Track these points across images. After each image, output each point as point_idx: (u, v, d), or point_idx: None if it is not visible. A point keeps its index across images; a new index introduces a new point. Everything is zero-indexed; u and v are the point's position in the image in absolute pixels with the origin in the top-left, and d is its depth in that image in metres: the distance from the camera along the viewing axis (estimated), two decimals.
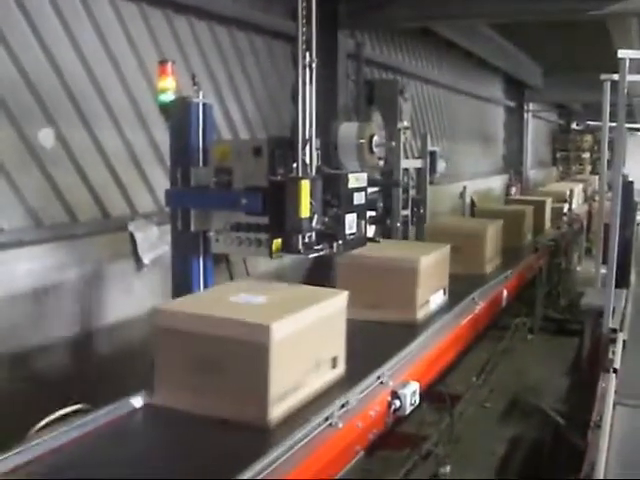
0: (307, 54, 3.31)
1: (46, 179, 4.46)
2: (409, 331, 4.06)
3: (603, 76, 5.21)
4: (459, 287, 4.97)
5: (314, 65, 3.30)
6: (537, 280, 7.54)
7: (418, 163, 8.86)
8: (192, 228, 3.60)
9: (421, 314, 4.30)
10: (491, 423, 5.37)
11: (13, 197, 4.24)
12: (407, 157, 8.93)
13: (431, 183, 9.01)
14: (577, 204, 11.63)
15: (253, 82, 6.51)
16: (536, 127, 18.25)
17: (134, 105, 5.14)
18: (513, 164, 16.07)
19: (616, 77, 4.76)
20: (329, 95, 6.59)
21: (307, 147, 3.26)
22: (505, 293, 5.74)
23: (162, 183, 5.37)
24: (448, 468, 4.38)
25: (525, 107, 16.60)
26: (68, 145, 4.61)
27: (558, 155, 21.34)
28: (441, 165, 9.25)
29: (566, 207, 10.06)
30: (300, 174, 3.21)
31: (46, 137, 4.46)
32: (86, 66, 4.73)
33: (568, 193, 10.46)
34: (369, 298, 4.15)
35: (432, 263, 4.46)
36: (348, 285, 3.55)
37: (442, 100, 11.56)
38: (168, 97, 3.77)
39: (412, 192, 8.53)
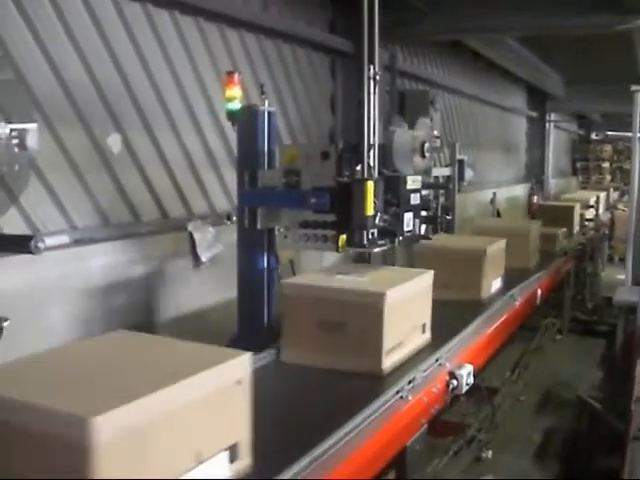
0: (371, 67, 3.62)
1: (113, 181, 4.79)
2: None
3: (634, 87, 5.48)
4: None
5: (378, 77, 3.62)
6: (565, 283, 7.81)
7: (447, 171, 9.16)
8: (259, 226, 3.90)
9: None
10: (527, 414, 5.68)
11: (85, 197, 4.56)
12: (436, 165, 9.25)
13: (459, 191, 9.32)
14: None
15: (295, 90, 6.83)
16: (557, 137, 18.49)
17: (190, 113, 5.46)
18: (535, 173, 16.33)
19: None
20: None
21: (371, 151, 3.58)
22: None
23: (215, 187, 5.73)
24: (490, 452, 4.68)
25: (547, 117, 16.84)
26: (132, 150, 4.94)
27: (578, 165, 21.56)
28: (469, 173, 9.56)
29: (590, 214, 10.31)
30: (365, 175, 3.53)
31: (115, 142, 4.79)
32: (149, 75, 5.05)
33: (594, 199, 10.70)
34: None
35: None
36: None
37: (468, 110, 11.86)
38: (235, 105, 4.09)
39: (441, 199, 8.84)
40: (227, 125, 5.63)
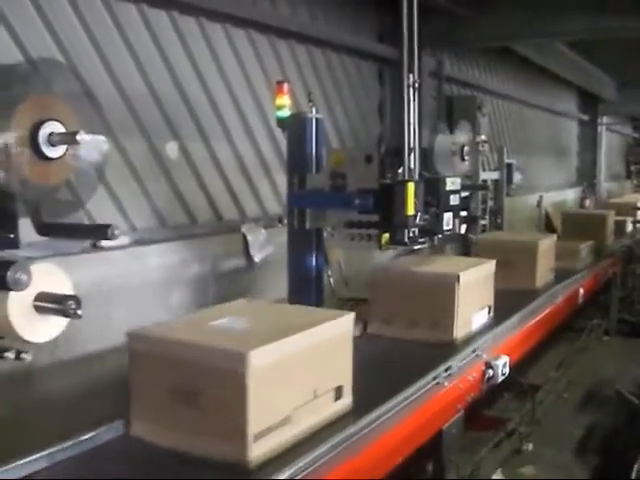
0: (410, 75, 3.83)
1: (170, 185, 5.08)
2: None
3: None
4: None
5: (417, 85, 3.83)
6: (612, 284, 7.91)
7: (495, 175, 9.29)
8: (307, 226, 4.14)
9: None
10: (570, 410, 5.83)
11: (144, 201, 4.86)
12: (485, 169, 9.39)
13: (508, 194, 9.44)
14: None
15: (344, 98, 7.07)
16: (610, 140, 18.38)
17: (243, 120, 5.73)
18: (587, 177, 16.28)
19: None
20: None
21: (411, 155, 3.80)
22: None
23: (266, 190, 5.99)
24: (531, 445, 4.84)
25: (599, 120, 16.77)
26: (189, 155, 5.22)
27: (632, 168, 21.33)
28: (517, 177, 9.68)
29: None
30: (406, 177, 3.74)
31: (172, 149, 5.08)
32: (203, 85, 5.33)
33: None
34: None
35: None
36: None
37: (518, 114, 11.95)
38: (285, 113, 4.34)
39: (490, 202, 8.98)
40: (278, 131, 5.89)
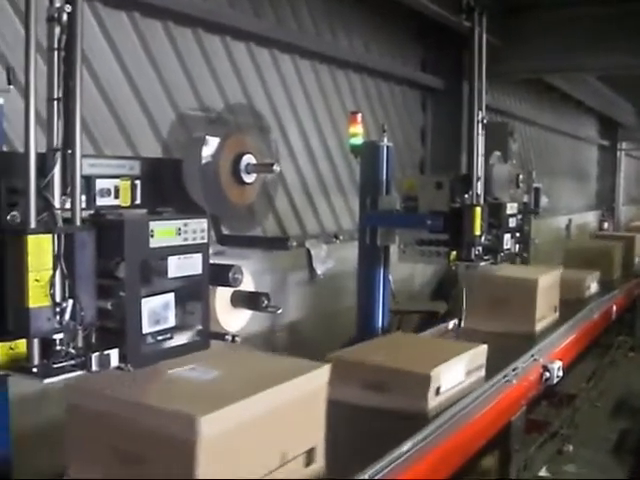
0: (480, 112, 4.34)
1: None
2: None
3: None
4: None
5: (485, 121, 4.34)
6: (637, 304, 8.38)
7: (524, 198, 9.75)
8: (378, 243, 4.63)
9: None
10: (604, 417, 6.32)
11: None
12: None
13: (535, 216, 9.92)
14: None
15: (392, 125, 7.56)
16: (628, 164, 18.84)
17: (306, 144, 6.26)
18: (605, 201, 16.74)
19: None
20: (456, 137, 7.61)
21: (478, 182, 4.31)
22: None
23: (324, 209, 6.51)
24: (571, 447, 5.32)
25: (618, 146, 17.24)
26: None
27: None
28: (544, 200, 10.15)
29: None
30: (474, 202, 4.25)
31: None
32: (274, 111, 5.87)
33: None
34: None
35: None
36: None
37: (542, 140, 12.46)
38: (358, 140, 4.83)
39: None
40: (336, 155, 6.49)
